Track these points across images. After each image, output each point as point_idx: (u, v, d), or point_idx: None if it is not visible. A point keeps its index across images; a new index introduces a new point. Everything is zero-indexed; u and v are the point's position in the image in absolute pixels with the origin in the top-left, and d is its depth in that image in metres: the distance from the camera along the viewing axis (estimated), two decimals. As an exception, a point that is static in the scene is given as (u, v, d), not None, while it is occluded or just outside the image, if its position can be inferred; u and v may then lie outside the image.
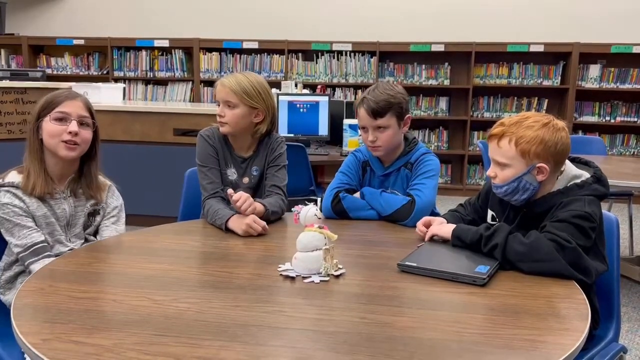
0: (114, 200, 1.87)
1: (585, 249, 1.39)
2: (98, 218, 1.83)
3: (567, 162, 1.57)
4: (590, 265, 1.37)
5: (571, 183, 1.52)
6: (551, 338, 1.07)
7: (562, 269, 1.34)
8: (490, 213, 1.70)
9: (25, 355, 1.35)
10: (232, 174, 2.01)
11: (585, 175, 1.53)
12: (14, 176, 1.71)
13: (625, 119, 5.82)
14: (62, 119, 1.70)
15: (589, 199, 1.46)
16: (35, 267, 1.62)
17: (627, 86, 5.72)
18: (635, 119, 5.80)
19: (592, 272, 1.38)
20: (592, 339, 1.52)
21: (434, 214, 1.98)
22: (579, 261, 1.35)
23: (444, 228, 1.58)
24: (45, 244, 1.68)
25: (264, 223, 1.74)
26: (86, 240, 1.80)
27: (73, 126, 1.69)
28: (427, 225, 1.69)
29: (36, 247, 1.66)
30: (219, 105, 1.97)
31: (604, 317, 1.58)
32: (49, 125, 1.70)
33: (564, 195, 1.49)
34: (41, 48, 6.53)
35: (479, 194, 1.78)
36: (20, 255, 1.66)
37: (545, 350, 1.02)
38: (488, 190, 1.72)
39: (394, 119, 1.94)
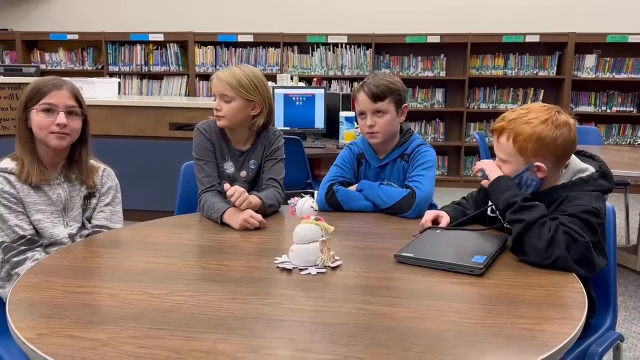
0: (109, 181, 1.86)
1: (592, 245, 1.38)
2: (94, 200, 1.82)
3: (572, 155, 1.55)
4: (596, 261, 1.36)
5: (576, 177, 1.50)
6: (548, 327, 1.07)
7: (568, 267, 1.33)
8: (491, 206, 1.69)
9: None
10: (229, 167, 2.01)
11: (590, 169, 1.52)
12: (7, 162, 1.71)
13: (621, 108, 5.82)
14: (49, 110, 1.68)
15: (595, 194, 1.45)
16: (16, 259, 1.64)
17: (622, 76, 5.72)
18: (631, 109, 5.81)
19: (597, 269, 1.37)
20: (588, 328, 1.52)
21: (432, 206, 1.98)
22: (588, 256, 1.34)
23: (495, 171, 1.53)
24: (29, 238, 1.67)
25: (260, 217, 1.74)
26: (82, 224, 1.80)
27: (61, 118, 1.67)
28: (434, 220, 1.69)
29: (15, 244, 1.66)
30: (215, 99, 1.96)
31: (600, 306, 1.58)
32: (36, 117, 1.68)
33: (569, 189, 1.47)
34: (35, 43, 6.50)
35: (480, 187, 1.77)
36: (4, 245, 1.66)
37: (543, 339, 1.02)
38: None
39: (393, 105, 1.95)
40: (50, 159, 1.75)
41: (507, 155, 1.50)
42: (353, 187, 1.98)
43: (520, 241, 1.39)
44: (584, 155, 1.60)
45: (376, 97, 1.93)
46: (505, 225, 1.61)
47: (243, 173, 2.02)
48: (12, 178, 1.68)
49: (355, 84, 6.04)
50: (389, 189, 1.92)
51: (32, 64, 6.08)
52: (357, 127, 3.78)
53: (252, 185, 2.03)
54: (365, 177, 2.05)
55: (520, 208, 1.41)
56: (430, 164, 1.95)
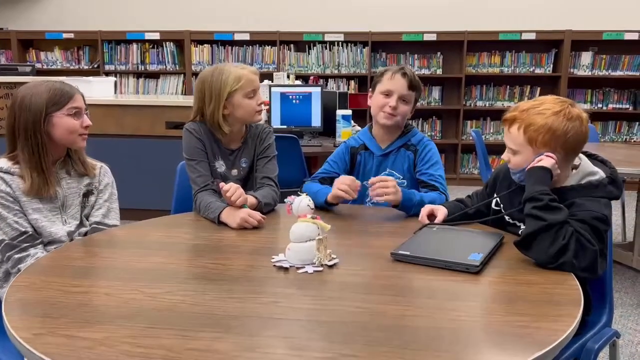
0: (106, 178, 1.87)
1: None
2: (92, 198, 1.83)
3: (584, 157, 1.55)
4: (599, 268, 1.36)
5: (585, 180, 1.49)
6: (544, 324, 1.08)
7: (572, 272, 1.32)
8: (495, 199, 1.69)
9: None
10: (220, 166, 2.00)
11: (601, 174, 1.50)
12: (3, 162, 1.70)
13: (617, 105, 5.83)
14: (77, 113, 1.72)
15: (604, 201, 1.44)
16: (18, 256, 1.64)
17: (618, 73, 5.73)
18: (627, 106, 5.82)
19: (598, 274, 1.37)
20: (585, 325, 1.52)
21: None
22: (594, 263, 1.34)
23: (547, 161, 1.44)
24: (30, 234, 1.67)
25: (259, 216, 1.73)
26: (81, 222, 1.79)
27: (88, 120, 1.74)
28: (430, 215, 1.69)
29: (15, 240, 1.65)
30: (253, 96, 1.93)
31: (596, 303, 1.58)
32: (65, 121, 1.69)
33: (578, 193, 1.46)
34: (30, 42, 6.47)
35: (486, 183, 1.78)
36: (4, 244, 1.66)
37: (539, 336, 1.03)
38: (496, 176, 1.71)
39: (414, 100, 2.05)
40: (57, 158, 1.76)
41: (517, 146, 1.49)
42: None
43: (532, 238, 1.36)
44: (595, 159, 1.59)
45: (411, 85, 2.01)
46: (507, 219, 1.61)
47: (234, 171, 2.02)
48: (7, 177, 1.67)
49: (352, 83, 6.04)
50: (430, 195, 1.90)
51: (28, 63, 6.06)
52: (354, 126, 3.78)
53: (245, 183, 2.03)
54: (366, 167, 2.09)
55: (545, 207, 1.37)
56: (440, 162, 2.05)
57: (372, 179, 1.82)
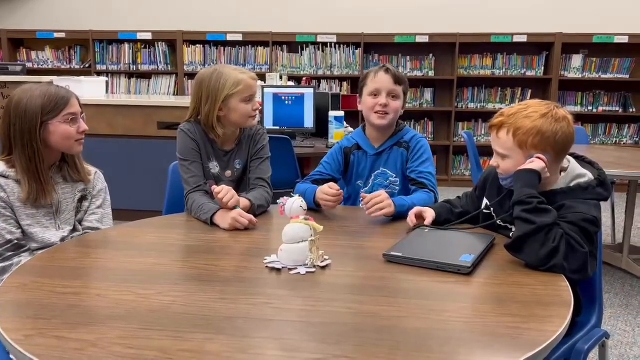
0: (99, 183, 1.87)
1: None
2: (86, 203, 1.82)
3: (572, 160, 1.56)
4: (591, 269, 1.37)
5: (574, 183, 1.50)
6: (535, 325, 1.08)
7: (563, 274, 1.33)
8: (485, 201, 1.70)
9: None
10: (214, 167, 2.00)
11: (589, 176, 1.51)
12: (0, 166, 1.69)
13: (607, 108, 5.88)
14: (73, 120, 1.70)
15: (594, 203, 1.45)
16: (1, 265, 1.62)
17: (608, 76, 5.78)
18: (617, 109, 5.87)
19: (589, 275, 1.38)
20: (575, 326, 1.53)
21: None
22: (585, 265, 1.35)
23: (537, 164, 1.45)
24: (15, 243, 1.65)
25: (250, 217, 1.73)
26: (74, 227, 1.78)
27: (84, 125, 1.73)
28: (418, 216, 1.70)
29: (1, 249, 1.64)
30: (250, 100, 1.94)
31: (586, 304, 1.60)
32: (61, 128, 1.68)
33: (568, 196, 1.47)
34: (21, 42, 6.43)
35: (476, 186, 1.78)
36: None
37: (529, 337, 1.03)
38: (486, 178, 1.72)
39: (402, 95, 2.05)
40: (52, 163, 1.75)
41: (507, 150, 1.50)
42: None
43: (522, 241, 1.37)
44: (583, 161, 1.60)
45: (397, 79, 2.02)
46: (498, 222, 1.62)
47: (228, 173, 2.02)
48: (2, 181, 1.66)
49: (345, 84, 6.05)
50: (419, 198, 1.91)
51: (19, 63, 6.01)
52: (346, 127, 3.78)
53: (239, 184, 2.03)
54: (359, 166, 2.10)
55: (534, 209, 1.38)
56: (431, 159, 2.05)
57: (365, 199, 1.77)
